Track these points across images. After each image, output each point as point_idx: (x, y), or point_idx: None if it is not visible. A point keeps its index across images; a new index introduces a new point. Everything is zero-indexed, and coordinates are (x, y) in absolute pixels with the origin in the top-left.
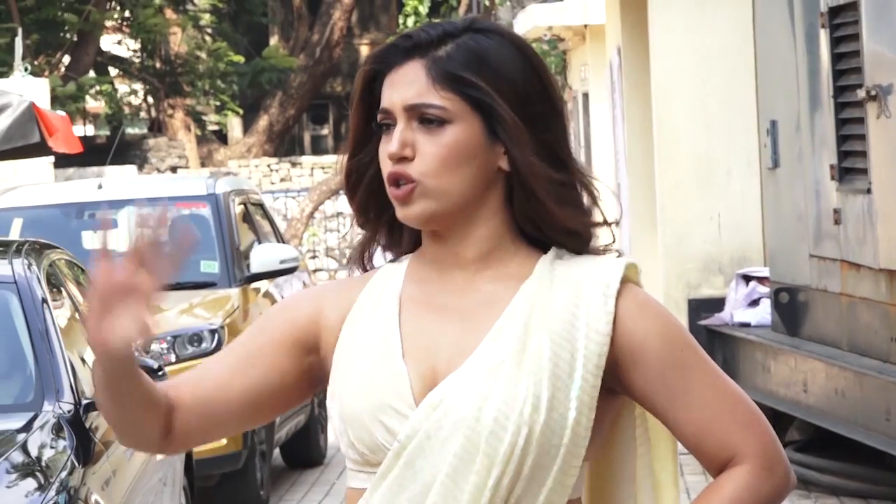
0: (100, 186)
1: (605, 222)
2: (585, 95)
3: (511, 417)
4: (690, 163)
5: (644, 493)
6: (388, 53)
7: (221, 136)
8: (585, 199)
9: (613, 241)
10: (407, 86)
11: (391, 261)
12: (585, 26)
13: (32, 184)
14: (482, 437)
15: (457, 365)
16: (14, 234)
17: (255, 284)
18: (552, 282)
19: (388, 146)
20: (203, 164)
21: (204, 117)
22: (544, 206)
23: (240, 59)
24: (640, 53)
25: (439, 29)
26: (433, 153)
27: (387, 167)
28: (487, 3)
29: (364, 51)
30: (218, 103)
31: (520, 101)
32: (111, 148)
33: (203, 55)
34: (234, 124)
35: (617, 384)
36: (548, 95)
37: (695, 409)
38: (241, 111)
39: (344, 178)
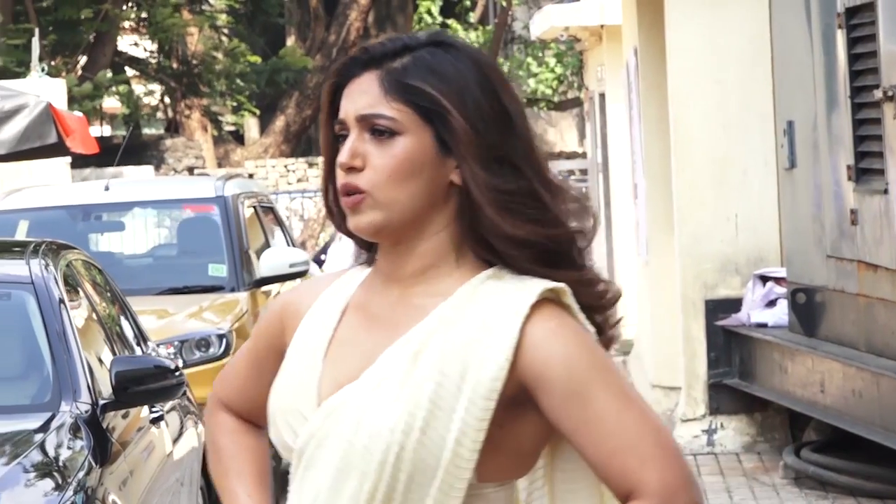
0: (107, 188)
1: (579, 231)
2: (602, 96)
3: (382, 434)
4: (707, 163)
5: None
6: (347, 66)
7: (238, 137)
8: (557, 209)
9: (590, 239)
10: (360, 96)
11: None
12: (602, 27)
13: (38, 185)
14: (356, 450)
15: (358, 375)
16: (20, 237)
17: (264, 288)
18: (469, 301)
19: (339, 156)
20: (220, 165)
21: (221, 118)
22: (485, 214)
23: (256, 59)
24: (657, 54)
25: (399, 42)
26: (383, 165)
27: (339, 178)
28: (504, 4)
29: None
30: (235, 104)
31: (471, 111)
32: (127, 148)
33: (220, 55)
34: (251, 125)
35: (535, 404)
36: (503, 107)
37: (595, 440)
38: (257, 112)
39: (323, 194)
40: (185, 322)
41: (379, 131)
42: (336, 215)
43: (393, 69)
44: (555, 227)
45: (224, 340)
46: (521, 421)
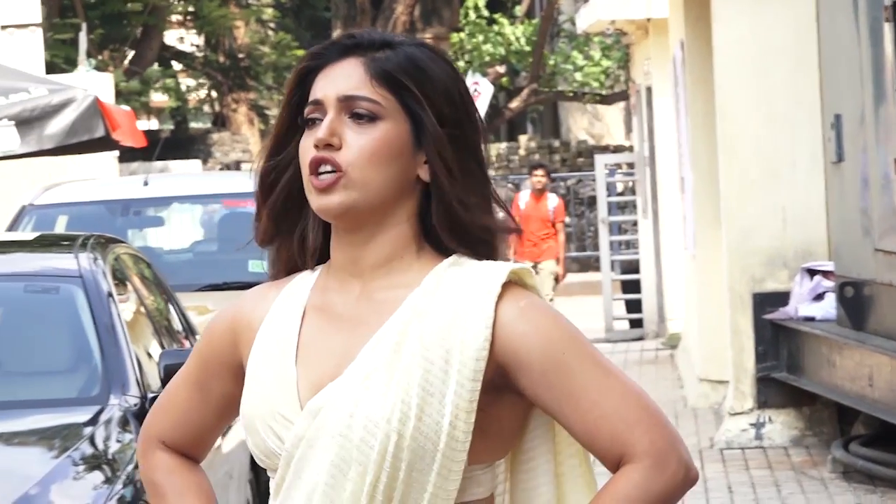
0: (146, 183)
1: (514, 229)
2: (648, 89)
3: (380, 425)
4: (754, 157)
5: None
6: (326, 50)
7: None
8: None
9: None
10: (343, 79)
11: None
12: (648, 20)
13: (78, 180)
14: (353, 444)
15: (339, 373)
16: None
17: None
18: (438, 289)
19: (316, 133)
20: None
21: (267, 111)
22: (453, 209)
23: (303, 53)
24: (704, 47)
25: (380, 36)
26: (361, 145)
27: (310, 154)
28: None
29: None
30: (281, 97)
31: (447, 111)
32: (174, 142)
33: (266, 49)
34: None
35: (512, 386)
36: (470, 111)
37: (581, 410)
38: None
39: (259, 178)
40: None
41: (359, 115)
42: (270, 201)
43: (378, 58)
44: (501, 224)
45: None
46: (501, 404)
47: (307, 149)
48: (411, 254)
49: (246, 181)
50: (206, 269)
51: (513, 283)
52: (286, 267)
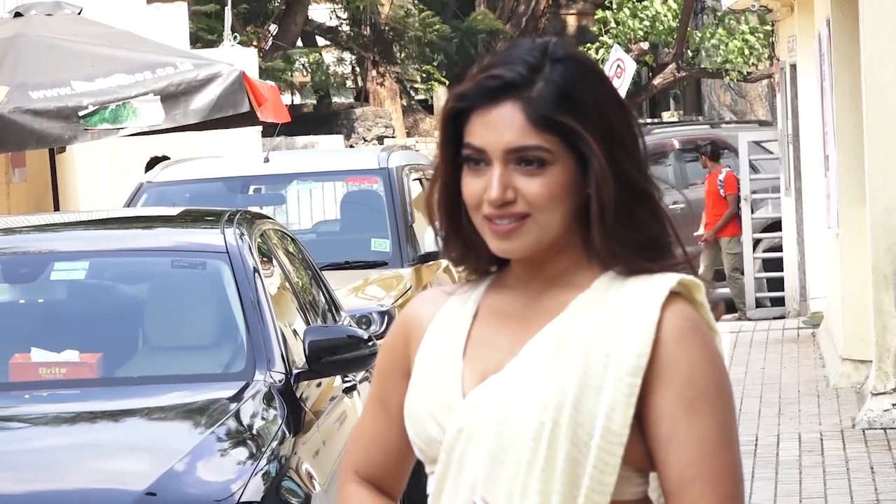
0: (266, 160)
1: (684, 259)
2: (793, 67)
3: (535, 413)
4: None
5: None
6: (474, 92)
7: (428, 107)
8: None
9: (695, 272)
10: (505, 128)
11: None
12: None
13: (199, 157)
14: (510, 433)
15: (502, 367)
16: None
17: (429, 264)
18: (606, 291)
19: (481, 178)
20: (409, 134)
21: (411, 86)
22: (612, 259)
23: (445, 29)
24: (850, 25)
25: (523, 64)
26: (537, 193)
27: (480, 207)
28: None
29: (570, 21)
30: (423, 74)
31: (607, 134)
32: (317, 118)
33: (412, 21)
34: (441, 94)
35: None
36: (627, 119)
37: (685, 459)
38: (447, 81)
39: (440, 212)
40: (346, 298)
41: (528, 161)
42: (451, 230)
43: (533, 100)
44: (672, 255)
45: (386, 317)
46: (647, 409)
47: (473, 192)
48: (583, 263)
49: (369, 158)
50: (327, 247)
51: (680, 294)
52: (474, 272)
